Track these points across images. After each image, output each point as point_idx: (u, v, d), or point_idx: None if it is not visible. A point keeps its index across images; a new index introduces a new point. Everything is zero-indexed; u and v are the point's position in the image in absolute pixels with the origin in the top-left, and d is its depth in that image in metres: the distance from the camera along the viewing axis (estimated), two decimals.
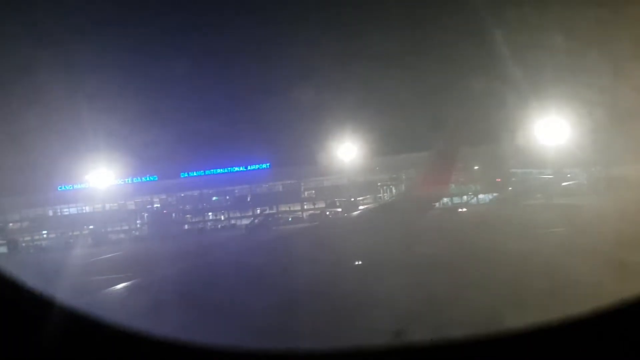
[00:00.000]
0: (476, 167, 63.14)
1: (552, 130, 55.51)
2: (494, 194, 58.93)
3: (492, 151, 58.14)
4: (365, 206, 55.95)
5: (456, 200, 64.82)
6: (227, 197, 71.23)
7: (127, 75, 70.21)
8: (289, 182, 69.74)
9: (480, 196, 60.46)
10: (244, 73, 79.52)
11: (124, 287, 11.87)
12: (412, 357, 3.73)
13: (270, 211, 65.10)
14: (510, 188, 54.75)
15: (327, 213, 59.54)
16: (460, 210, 47.19)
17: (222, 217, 71.13)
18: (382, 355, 3.82)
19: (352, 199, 58.45)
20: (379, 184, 67.15)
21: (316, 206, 67.76)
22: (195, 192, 69.96)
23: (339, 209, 55.87)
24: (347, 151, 62.40)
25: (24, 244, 64.74)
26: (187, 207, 70.38)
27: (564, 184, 51.33)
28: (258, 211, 68.97)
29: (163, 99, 69.58)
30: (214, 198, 72.12)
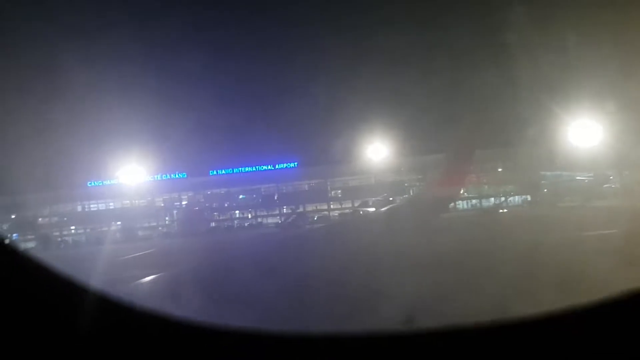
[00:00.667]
0: (509, 169, 62.67)
1: (585, 132, 55.03)
2: (528, 196, 58.16)
3: (525, 153, 57.63)
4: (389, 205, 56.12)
5: (491, 201, 64.68)
6: (255, 196, 71.37)
7: (159, 72, 70.44)
8: (317, 181, 69.67)
9: (516, 198, 59.64)
10: (275, 72, 79.27)
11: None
12: (421, 343, 3.72)
13: (301, 210, 65.14)
14: (545, 190, 53.69)
15: (361, 212, 59.36)
16: (501, 211, 46.93)
17: (249, 216, 71.31)
18: (393, 340, 3.81)
19: (384, 199, 58.07)
20: (406, 184, 66.80)
21: (343, 205, 67.66)
22: (223, 190, 70.11)
23: (372, 208, 55.44)
24: (375, 151, 62.20)
25: (54, 239, 65.44)
26: (215, 204, 70.58)
27: (605, 186, 50.29)
28: (284, 210, 69.14)
29: (194, 96, 69.42)
30: (241, 196, 72.29)
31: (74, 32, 72.10)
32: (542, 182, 60.02)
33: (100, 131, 60.59)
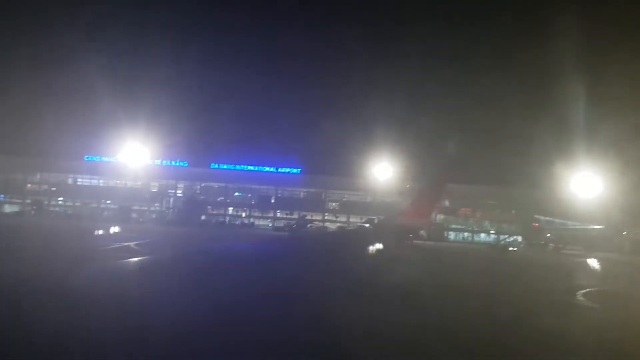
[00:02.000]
0: (511, 209, 62.99)
1: (590, 184, 55.60)
2: (524, 238, 58.16)
3: (531, 196, 57.95)
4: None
5: (490, 238, 64.94)
6: (252, 195, 70.58)
7: (177, 61, 69.71)
8: (316, 190, 69.16)
9: (515, 238, 59.60)
10: (292, 76, 79.07)
11: None
12: None
13: (309, 216, 64.59)
14: (548, 235, 53.73)
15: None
16: (511, 249, 46.61)
17: (244, 214, 70.38)
18: None
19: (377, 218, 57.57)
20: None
21: (338, 218, 67.09)
22: (222, 185, 69.16)
23: (366, 225, 54.84)
24: (378, 171, 62.04)
25: (46, 207, 63.87)
26: (212, 198, 69.60)
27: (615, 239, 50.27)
28: (278, 214, 68.52)
29: (206, 88, 69.19)
30: (237, 193, 71.42)
31: (97, 12, 71.56)
32: (547, 226, 60.28)
33: (107, 108, 59.70)
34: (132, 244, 26.06)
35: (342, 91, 74.21)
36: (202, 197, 69.04)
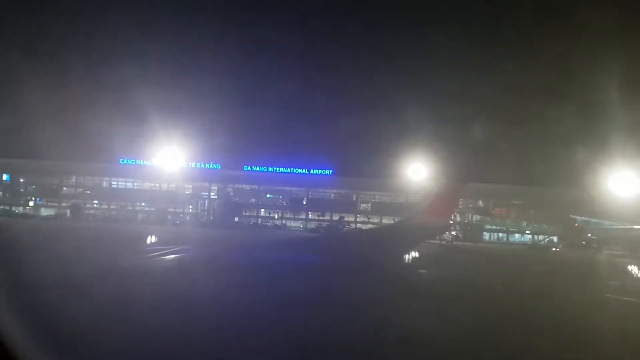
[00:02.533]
0: (549, 209, 62.22)
1: (630, 183, 54.63)
2: (564, 238, 57.40)
3: (568, 196, 57.20)
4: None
5: (525, 238, 64.28)
6: (284, 197, 70.86)
7: (207, 66, 70.18)
8: (348, 191, 69.15)
9: (551, 239, 58.91)
10: (322, 79, 79.37)
11: None
12: None
13: (345, 218, 64.57)
14: (589, 235, 52.89)
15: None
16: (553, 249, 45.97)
17: (276, 216, 70.65)
18: None
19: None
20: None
21: (370, 220, 66.93)
22: (255, 187, 69.54)
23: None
24: (410, 172, 61.69)
25: (85, 210, 64.79)
26: (246, 200, 70.04)
27: None
28: (310, 215, 68.65)
29: (238, 91, 69.44)
30: (268, 195, 71.79)
31: (130, 17, 72.46)
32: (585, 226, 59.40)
33: (141, 111, 60.38)
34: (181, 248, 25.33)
35: (374, 92, 74.02)
36: (237, 199, 69.45)
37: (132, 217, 62.99)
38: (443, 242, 48.37)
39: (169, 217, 64.10)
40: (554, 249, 47.66)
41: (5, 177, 71.08)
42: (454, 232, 51.49)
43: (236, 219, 67.96)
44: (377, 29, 75.93)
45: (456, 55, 69.15)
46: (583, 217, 61.56)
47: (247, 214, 70.33)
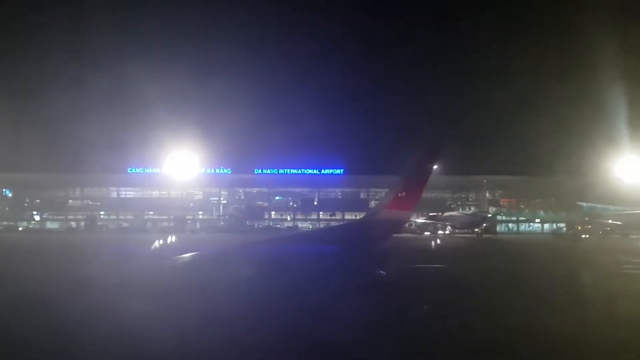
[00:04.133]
0: (555, 198, 64.21)
1: (634, 168, 57.05)
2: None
3: (574, 183, 59.18)
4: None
5: (536, 227, 66.04)
6: (296, 198, 71.21)
7: (215, 70, 69.75)
8: (360, 190, 69.95)
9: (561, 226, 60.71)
10: (330, 78, 79.85)
11: None
12: None
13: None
14: (610, 221, 54.67)
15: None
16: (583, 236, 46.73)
17: (288, 217, 70.93)
18: None
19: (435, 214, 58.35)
20: (448, 201, 67.76)
21: None
22: (266, 190, 69.74)
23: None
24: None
25: (98, 222, 63.99)
26: (258, 203, 70.13)
27: None
28: (321, 215, 69.20)
29: (244, 94, 69.31)
30: (277, 197, 72.04)
31: (139, 26, 71.75)
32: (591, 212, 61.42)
33: (149, 120, 60.04)
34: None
35: (384, 90, 74.97)
36: (250, 202, 69.55)
37: (148, 226, 62.59)
38: (475, 236, 49.16)
39: (187, 224, 63.69)
40: (583, 236, 49.05)
41: (12, 191, 69.82)
42: (484, 225, 52.58)
43: (252, 222, 67.87)
44: (384, 29, 76.93)
45: (464, 50, 70.39)
46: (589, 204, 64.07)
47: (265, 217, 70.24)
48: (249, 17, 75.14)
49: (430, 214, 56.09)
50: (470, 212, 59.14)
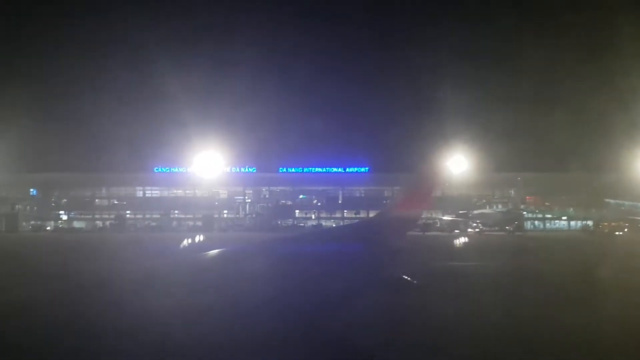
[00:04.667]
0: (584, 194, 63.71)
1: None
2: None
3: (601, 180, 58.70)
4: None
5: (562, 224, 65.62)
6: (320, 197, 71.28)
7: (239, 71, 69.96)
8: (386, 188, 69.81)
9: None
10: (355, 76, 79.99)
11: None
12: None
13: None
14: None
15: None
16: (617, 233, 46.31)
17: (313, 216, 70.99)
18: None
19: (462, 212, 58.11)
20: (474, 199, 67.45)
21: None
22: (290, 188, 69.90)
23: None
24: (449, 165, 62.51)
25: (127, 221, 64.56)
26: (283, 201, 70.34)
27: None
28: (345, 213, 69.18)
29: (271, 94, 69.46)
30: (301, 196, 72.11)
31: (165, 25, 72.32)
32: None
33: (173, 119, 60.64)
34: None
35: (408, 87, 74.75)
36: (275, 200, 69.79)
37: (175, 225, 63.17)
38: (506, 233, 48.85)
39: (216, 223, 64.03)
40: (617, 233, 48.76)
41: (39, 191, 70.60)
42: (516, 222, 52.45)
43: (278, 221, 67.90)
44: (407, 25, 76.85)
45: (492, 44, 69.79)
46: (616, 200, 63.71)
47: (296, 215, 70.39)
48: (274, 14, 75.35)
49: (460, 211, 55.86)
50: (504, 209, 58.76)
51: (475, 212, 56.95)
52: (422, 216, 48.86)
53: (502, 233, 48.32)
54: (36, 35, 74.36)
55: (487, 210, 58.70)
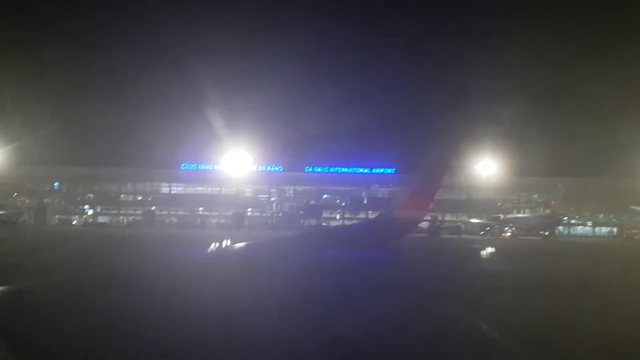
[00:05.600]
0: (609, 201, 63.16)
1: None
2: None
3: (626, 186, 58.28)
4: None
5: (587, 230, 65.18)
6: (346, 197, 71.30)
7: (266, 68, 70.37)
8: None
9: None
10: (383, 76, 79.78)
11: None
12: None
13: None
14: None
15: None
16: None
17: (337, 216, 70.98)
18: None
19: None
20: (498, 203, 67.29)
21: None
22: (316, 188, 69.94)
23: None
24: (475, 168, 62.54)
25: (158, 217, 64.80)
26: (308, 201, 70.34)
27: None
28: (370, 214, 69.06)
29: (298, 93, 69.41)
30: (325, 196, 72.18)
31: (195, 25, 72.50)
32: None
33: (201, 117, 60.69)
34: None
35: (440, 89, 74.38)
36: (301, 199, 69.80)
37: (201, 222, 63.43)
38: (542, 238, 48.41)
39: (244, 221, 64.10)
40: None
41: (65, 185, 70.95)
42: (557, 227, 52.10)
43: (307, 220, 67.83)
44: (428, 26, 76.62)
45: (518, 49, 69.39)
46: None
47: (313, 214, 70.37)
48: (302, 15, 75.28)
49: (493, 215, 55.62)
50: (545, 213, 58.33)
51: (509, 216, 56.63)
52: (439, 219, 48.99)
53: (536, 238, 47.99)
54: (67, 31, 74.65)
55: (522, 215, 58.37)
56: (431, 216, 63.77)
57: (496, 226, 54.18)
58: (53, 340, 4.43)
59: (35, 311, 4.91)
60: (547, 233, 49.77)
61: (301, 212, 66.71)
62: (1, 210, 56.16)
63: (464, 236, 48.83)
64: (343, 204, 71.55)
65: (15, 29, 68.03)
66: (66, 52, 67.23)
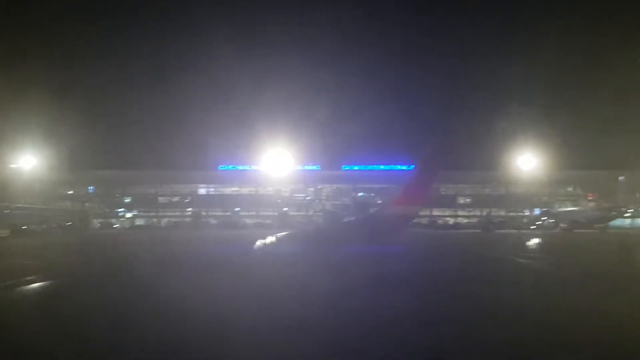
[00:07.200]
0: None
1: None
2: None
3: None
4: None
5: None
6: (381, 195, 71.65)
7: (305, 72, 70.97)
8: (446, 186, 70.16)
9: None
10: (419, 75, 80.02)
11: None
12: None
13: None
14: None
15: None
16: None
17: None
18: None
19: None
20: (535, 198, 67.51)
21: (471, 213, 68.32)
22: (352, 186, 70.33)
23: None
24: (512, 163, 62.83)
25: (202, 218, 65.38)
26: (346, 199, 70.63)
27: None
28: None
29: (336, 93, 69.94)
30: (360, 194, 72.45)
31: (229, 26, 72.87)
32: None
33: (238, 118, 61.30)
34: None
35: (479, 86, 74.46)
36: (340, 198, 70.09)
37: (243, 223, 64.01)
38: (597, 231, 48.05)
39: (285, 220, 64.59)
40: None
41: (106, 188, 71.42)
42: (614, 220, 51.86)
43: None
44: (460, 23, 76.81)
45: (549, 44, 69.47)
46: None
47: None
48: (336, 16, 75.50)
49: (543, 209, 55.83)
50: (600, 206, 58.25)
51: (560, 209, 56.76)
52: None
53: (590, 231, 47.73)
54: (108, 33, 75.39)
55: (575, 208, 58.41)
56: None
57: (549, 220, 54.21)
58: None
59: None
60: (602, 225, 49.58)
61: (346, 209, 67.00)
62: (50, 214, 56.67)
63: (521, 231, 48.92)
64: (379, 202, 71.79)
65: (53, 37, 68.76)
66: (104, 57, 67.96)
